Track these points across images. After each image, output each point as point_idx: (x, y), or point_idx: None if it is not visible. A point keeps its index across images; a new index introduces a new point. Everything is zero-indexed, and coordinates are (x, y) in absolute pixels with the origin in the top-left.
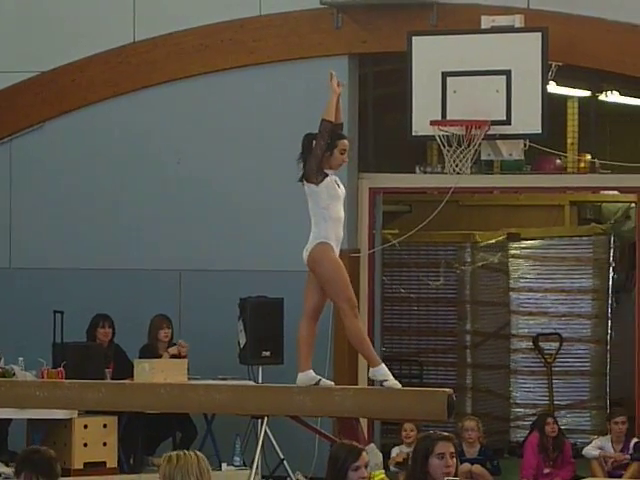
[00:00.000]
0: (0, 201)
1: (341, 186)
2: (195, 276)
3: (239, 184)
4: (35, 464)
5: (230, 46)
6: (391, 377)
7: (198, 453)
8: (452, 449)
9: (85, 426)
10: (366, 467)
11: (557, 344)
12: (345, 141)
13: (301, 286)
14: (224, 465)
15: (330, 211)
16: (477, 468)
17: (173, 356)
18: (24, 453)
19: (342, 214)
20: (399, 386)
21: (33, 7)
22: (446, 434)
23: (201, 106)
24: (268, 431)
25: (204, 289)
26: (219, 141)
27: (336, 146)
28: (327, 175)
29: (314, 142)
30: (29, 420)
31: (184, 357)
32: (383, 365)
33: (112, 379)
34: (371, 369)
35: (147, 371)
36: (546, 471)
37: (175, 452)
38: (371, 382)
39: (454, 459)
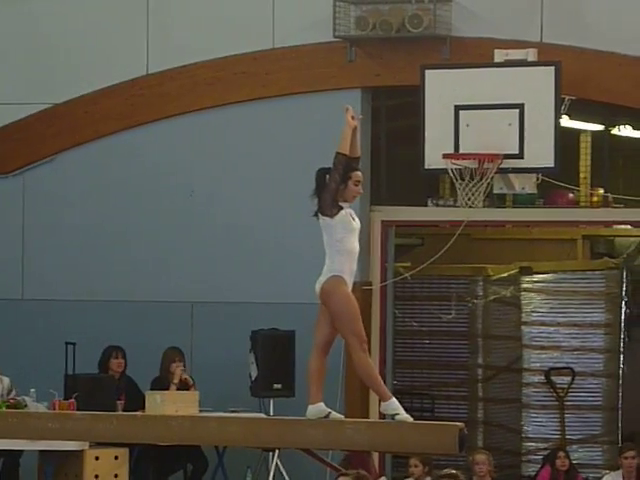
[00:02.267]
0: (13, 233)
1: (356, 219)
2: (207, 308)
3: (251, 217)
4: None
5: (243, 79)
6: (402, 411)
7: None
8: None
9: (97, 458)
10: None
11: (569, 378)
12: (359, 172)
13: (313, 319)
14: None
15: (344, 244)
16: None
17: (184, 386)
18: None
19: (357, 247)
20: (410, 420)
21: (46, 39)
22: (451, 472)
23: (214, 139)
24: (279, 463)
25: (216, 321)
26: (231, 174)
27: (350, 178)
28: (342, 208)
29: (327, 176)
30: (41, 451)
31: (191, 386)
32: (394, 399)
33: (124, 411)
34: (382, 403)
35: (158, 403)
36: None
37: None
38: (383, 416)
39: None
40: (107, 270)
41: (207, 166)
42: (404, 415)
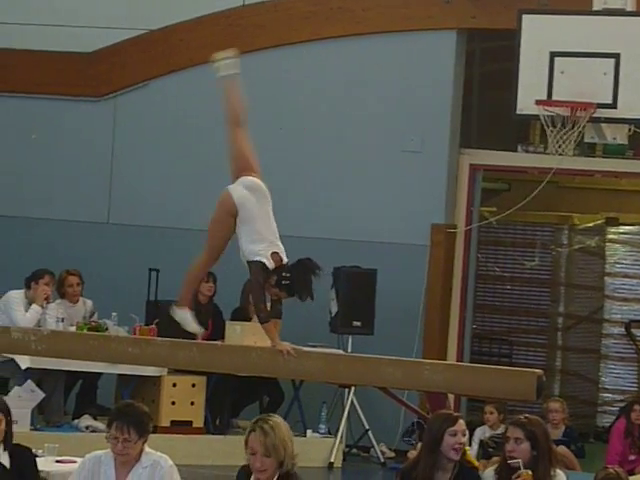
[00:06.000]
0: (102, 156)
1: None
2: (290, 242)
3: (338, 153)
4: (129, 416)
5: (339, 14)
6: (192, 324)
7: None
8: (518, 434)
9: (174, 384)
10: (463, 435)
11: None
12: None
13: (395, 258)
14: (309, 432)
15: None
16: (562, 449)
17: None
18: (118, 405)
19: None
20: (196, 331)
21: None
22: (519, 419)
23: (306, 73)
24: (354, 401)
25: (298, 255)
26: (321, 109)
27: None
28: None
29: None
30: (119, 375)
31: None
32: (189, 312)
33: (209, 338)
34: (175, 307)
35: (238, 333)
36: (631, 458)
37: (261, 421)
38: (461, 358)
39: (521, 445)
40: (194, 198)
41: (297, 101)
42: (193, 326)
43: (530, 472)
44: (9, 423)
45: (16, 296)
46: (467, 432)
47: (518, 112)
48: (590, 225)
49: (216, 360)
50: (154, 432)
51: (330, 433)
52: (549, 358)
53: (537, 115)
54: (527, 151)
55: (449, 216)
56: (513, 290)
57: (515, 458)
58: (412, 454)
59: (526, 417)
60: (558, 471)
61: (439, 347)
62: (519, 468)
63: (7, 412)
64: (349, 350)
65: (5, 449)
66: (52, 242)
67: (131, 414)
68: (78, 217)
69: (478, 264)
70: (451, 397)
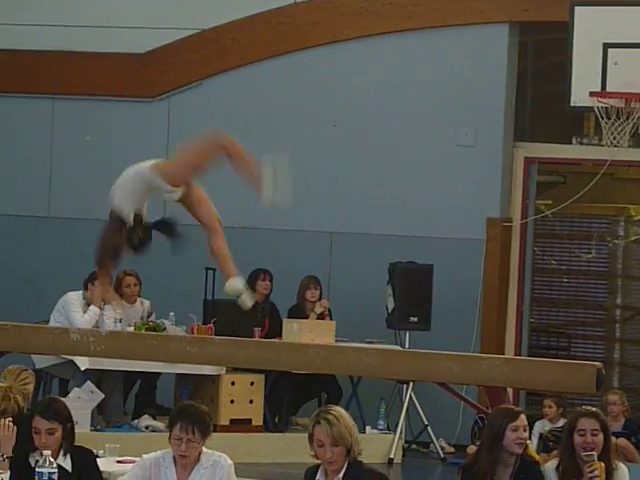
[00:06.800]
0: (156, 157)
1: None
2: (346, 239)
3: (393, 149)
4: (192, 416)
5: (390, 10)
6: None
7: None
8: (595, 425)
9: (232, 383)
10: (525, 430)
11: None
12: None
13: (451, 253)
14: (368, 428)
15: None
16: (622, 442)
17: (320, 316)
18: (180, 406)
19: None
20: (249, 305)
21: None
22: (592, 410)
23: (358, 69)
24: (413, 396)
25: (354, 252)
26: (374, 105)
27: None
28: None
29: None
30: (178, 375)
31: (325, 316)
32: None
33: (266, 336)
34: (230, 280)
35: (295, 331)
36: None
37: (323, 413)
38: (519, 352)
39: (598, 436)
40: (247, 197)
41: (350, 97)
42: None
43: (603, 464)
44: (69, 429)
45: (74, 297)
46: (528, 427)
47: (572, 104)
48: None
49: (274, 358)
50: (214, 431)
51: (389, 429)
52: (607, 350)
53: (591, 107)
54: (582, 143)
55: (504, 210)
56: (570, 283)
57: (588, 450)
58: (472, 449)
59: (591, 409)
60: (620, 464)
61: (497, 341)
62: (591, 461)
63: (65, 419)
64: (406, 346)
65: (66, 453)
66: None
67: (194, 414)
68: None
69: (534, 257)
70: (510, 391)
